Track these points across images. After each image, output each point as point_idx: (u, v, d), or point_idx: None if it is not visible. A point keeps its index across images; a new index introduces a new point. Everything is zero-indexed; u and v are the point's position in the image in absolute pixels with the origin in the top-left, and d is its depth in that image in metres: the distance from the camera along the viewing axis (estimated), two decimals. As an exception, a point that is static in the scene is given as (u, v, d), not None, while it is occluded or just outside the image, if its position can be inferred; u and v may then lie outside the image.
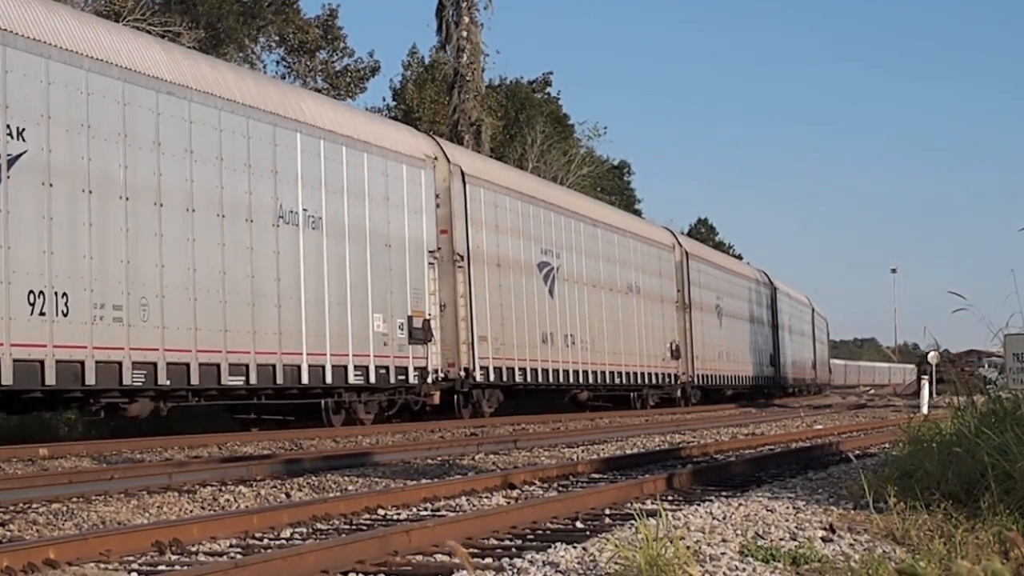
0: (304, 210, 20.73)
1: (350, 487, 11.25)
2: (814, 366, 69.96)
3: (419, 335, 23.55)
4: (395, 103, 55.68)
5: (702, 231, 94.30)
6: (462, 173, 26.24)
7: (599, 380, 33.00)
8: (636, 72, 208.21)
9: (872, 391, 76.66)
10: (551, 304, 30.31)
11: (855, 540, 6.62)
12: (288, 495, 10.63)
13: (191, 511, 9.57)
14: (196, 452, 16.13)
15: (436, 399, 24.92)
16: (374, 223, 22.56)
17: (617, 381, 34.41)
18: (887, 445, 14.75)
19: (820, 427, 22.99)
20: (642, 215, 60.34)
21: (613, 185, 66.91)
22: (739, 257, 78.83)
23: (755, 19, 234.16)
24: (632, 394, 36.56)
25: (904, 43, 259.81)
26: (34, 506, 9.59)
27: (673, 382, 39.17)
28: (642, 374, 36.35)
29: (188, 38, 36.20)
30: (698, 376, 41.38)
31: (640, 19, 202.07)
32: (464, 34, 45.78)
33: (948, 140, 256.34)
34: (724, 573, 5.56)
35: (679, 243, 42.52)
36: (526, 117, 57.50)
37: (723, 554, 5.93)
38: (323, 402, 21.44)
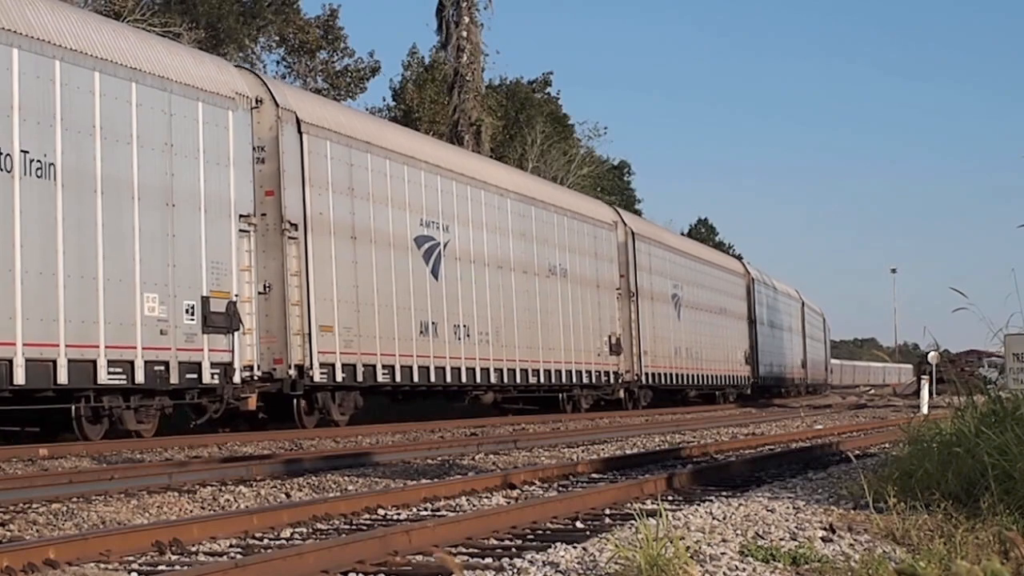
0: (24, 152, 15.66)
1: (350, 487, 11.25)
2: (804, 364, 64.30)
3: (219, 321, 18.58)
4: (395, 103, 55.71)
5: (702, 231, 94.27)
6: (297, 120, 20.89)
7: (507, 379, 27.40)
8: (636, 72, 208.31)
9: (872, 391, 76.63)
10: (435, 287, 24.73)
11: (855, 540, 6.62)
12: (288, 495, 10.63)
13: (191, 511, 9.57)
14: (196, 452, 16.13)
15: (252, 404, 19.85)
16: (146, 175, 17.50)
17: (533, 380, 28.70)
18: (887, 445, 14.75)
19: (820, 427, 22.99)
20: (642, 215, 60.16)
21: (613, 185, 66.91)
22: (739, 257, 77.99)
23: (754, 19, 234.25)
24: (561, 395, 31.09)
25: (903, 43, 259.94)
26: (34, 506, 9.58)
27: (613, 381, 33.66)
28: (569, 372, 30.63)
29: (188, 38, 36.21)
30: (648, 375, 36.05)
31: (640, 19, 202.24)
32: (464, 34, 45.76)
33: (948, 140, 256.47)
34: (724, 573, 5.56)
35: (623, 220, 36.50)
36: (526, 117, 57.51)
37: (723, 554, 5.93)
38: (73, 408, 16.80)
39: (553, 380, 29.99)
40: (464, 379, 25.66)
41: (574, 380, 31.17)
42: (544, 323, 29.72)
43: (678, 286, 40.73)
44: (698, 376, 41.97)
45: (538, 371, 29.17)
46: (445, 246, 25.57)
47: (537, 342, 29.14)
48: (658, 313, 38.10)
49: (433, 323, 24.51)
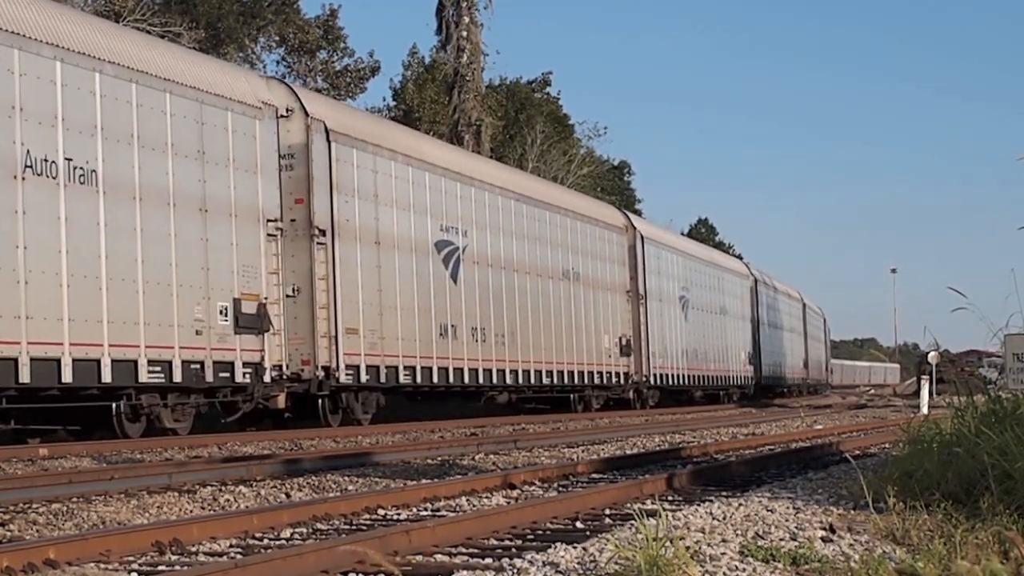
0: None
1: (350, 487, 11.25)
2: (751, 360, 48.43)
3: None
4: (395, 103, 55.72)
5: (702, 231, 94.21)
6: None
7: None
8: (636, 72, 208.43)
9: (872, 391, 76.51)
10: None
11: (855, 540, 6.62)
12: (288, 495, 10.63)
13: (191, 511, 9.57)
14: (196, 452, 16.13)
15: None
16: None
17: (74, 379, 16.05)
18: (887, 445, 14.76)
19: (820, 427, 22.99)
20: (642, 215, 60.02)
21: (613, 185, 66.91)
22: (739, 257, 76.80)
23: (755, 19, 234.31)
24: (115, 406, 17.37)
25: (904, 46, 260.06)
26: (34, 506, 9.58)
27: (243, 378, 19.08)
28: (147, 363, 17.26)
29: (188, 38, 36.21)
30: (356, 367, 21.68)
31: (640, 19, 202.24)
32: (464, 34, 45.75)
33: (948, 141, 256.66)
34: (724, 573, 5.56)
35: (304, 110, 21.13)
36: (526, 117, 57.52)
37: (723, 554, 5.93)
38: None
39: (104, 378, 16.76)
40: None
41: (154, 379, 17.63)
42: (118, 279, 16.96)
43: (452, 230, 25.65)
44: (503, 371, 27.40)
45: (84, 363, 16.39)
46: None
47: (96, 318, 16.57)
48: (400, 269, 23.52)
49: None
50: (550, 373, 29.86)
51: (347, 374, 21.61)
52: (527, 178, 34.27)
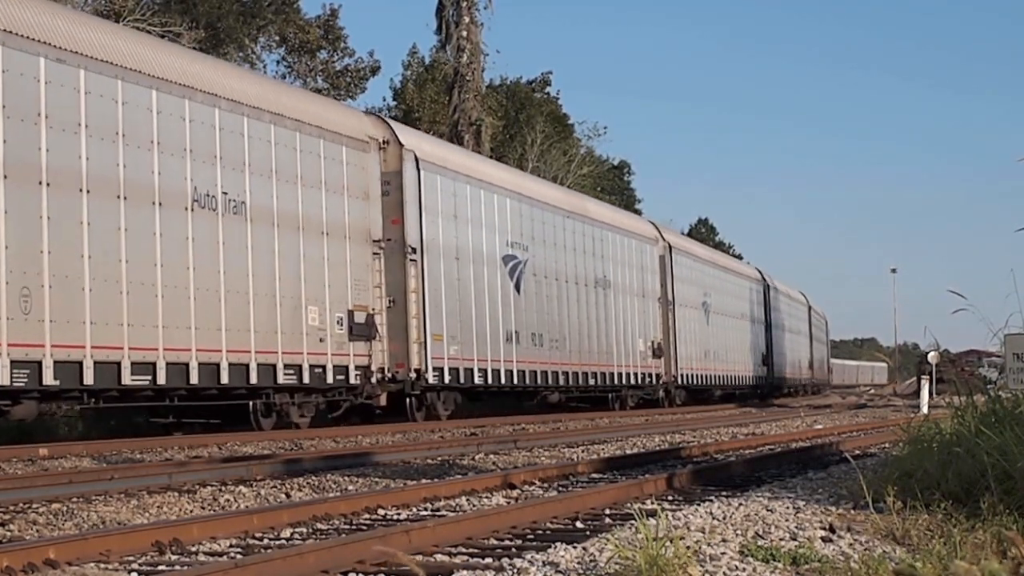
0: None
1: (350, 487, 11.25)
2: (659, 352, 36.85)
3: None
4: (395, 103, 55.72)
5: (702, 231, 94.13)
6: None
7: None
8: (636, 72, 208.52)
9: (872, 391, 76.46)
10: None
11: (855, 540, 6.63)
12: (288, 495, 10.63)
13: (191, 511, 9.57)
14: (196, 452, 16.13)
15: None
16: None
17: None
18: (887, 445, 14.75)
19: (820, 427, 22.99)
20: (642, 215, 59.97)
21: (613, 185, 66.87)
22: (739, 257, 76.48)
23: (755, 19, 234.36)
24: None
25: (904, 45, 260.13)
26: (34, 506, 9.59)
27: None
28: None
29: (188, 38, 36.19)
30: None
31: (640, 19, 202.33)
32: (464, 34, 45.74)
33: (948, 141, 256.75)
34: (724, 573, 5.56)
35: None
36: (526, 117, 57.49)
37: (723, 554, 5.94)
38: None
39: None
40: None
41: None
42: None
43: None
44: None
45: None
46: None
47: None
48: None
49: None
50: (187, 370, 17.98)
51: None
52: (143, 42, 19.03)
